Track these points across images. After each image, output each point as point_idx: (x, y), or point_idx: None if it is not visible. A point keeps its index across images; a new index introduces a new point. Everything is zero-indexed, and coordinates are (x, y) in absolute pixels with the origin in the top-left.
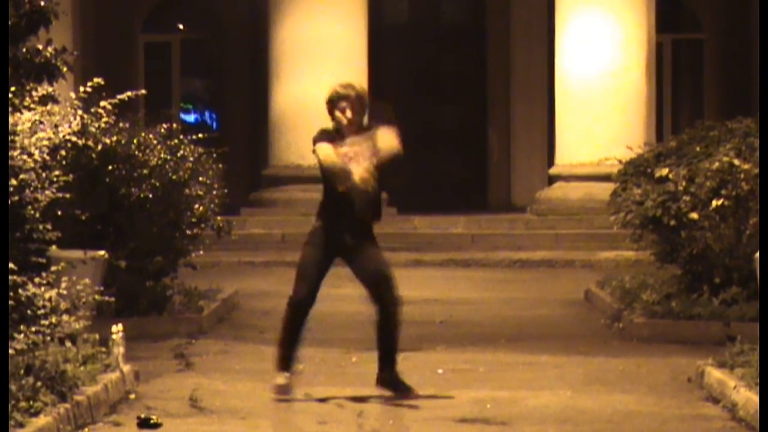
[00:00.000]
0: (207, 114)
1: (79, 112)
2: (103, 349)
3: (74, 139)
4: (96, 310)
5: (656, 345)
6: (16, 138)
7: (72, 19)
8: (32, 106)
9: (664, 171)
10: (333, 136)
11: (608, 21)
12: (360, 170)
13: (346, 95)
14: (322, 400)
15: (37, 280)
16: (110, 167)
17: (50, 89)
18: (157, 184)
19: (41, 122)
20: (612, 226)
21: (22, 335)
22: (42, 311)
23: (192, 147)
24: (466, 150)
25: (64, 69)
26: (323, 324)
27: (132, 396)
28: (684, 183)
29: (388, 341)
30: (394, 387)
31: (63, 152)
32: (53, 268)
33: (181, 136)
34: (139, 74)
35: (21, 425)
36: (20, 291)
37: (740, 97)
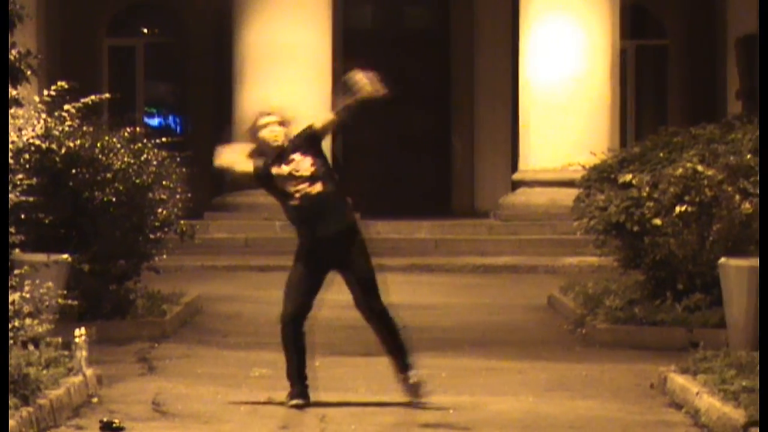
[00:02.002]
0: (171, 118)
1: (43, 115)
2: (66, 353)
3: (38, 142)
4: (59, 313)
5: (619, 351)
6: None
7: (37, 23)
8: None
9: (628, 177)
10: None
11: (573, 27)
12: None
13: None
14: (285, 405)
15: None
16: (74, 171)
17: (14, 93)
18: (121, 188)
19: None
20: (575, 231)
21: None
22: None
23: (156, 151)
24: (430, 155)
25: (29, 72)
26: None
27: (95, 400)
28: (647, 189)
29: (393, 346)
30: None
31: (27, 156)
32: (16, 272)
33: (145, 140)
34: (103, 78)
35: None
36: None
37: (704, 104)
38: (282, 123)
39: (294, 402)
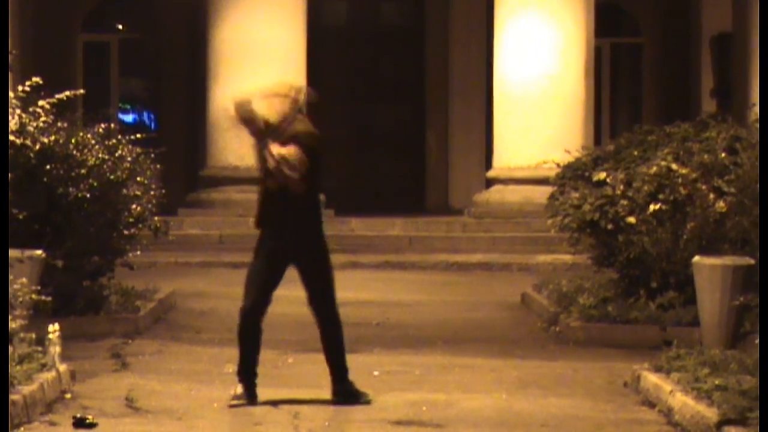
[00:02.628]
0: (145, 114)
1: (18, 111)
2: (40, 349)
3: (12, 138)
4: (33, 309)
5: (593, 349)
6: None
7: (11, 18)
8: None
9: (602, 175)
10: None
11: (547, 25)
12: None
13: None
14: (258, 401)
15: None
16: (48, 167)
17: None
18: (95, 183)
19: None
20: (549, 229)
21: None
22: None
23: (130, 147)
24: (404, 152)
25: None
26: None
27: (68, 395)
28: (622, 187)
29: (334, 357)
30: (347, 398)
31: None
32: None
33: (119, 136)
34: (77, 74)
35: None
36: None
37: (679, 102)
38: (283, 98)
39: (235, 402)
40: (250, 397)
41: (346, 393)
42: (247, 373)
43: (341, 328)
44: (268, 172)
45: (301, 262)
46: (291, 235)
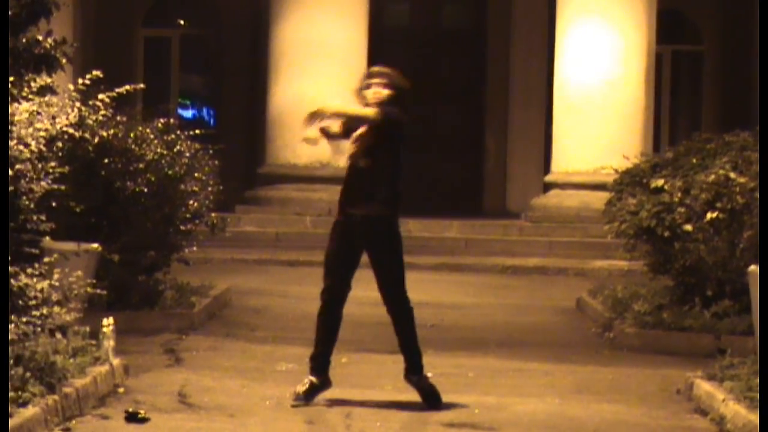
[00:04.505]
0: (204, 110)
1: (77, 104)
2: (94, 342)
3: (71, 131)
4: (87, 302)
5: (646, 355)
6: (14, 128)
7: (72, 11)
8: (30, 96)
9: (660, 182)
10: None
11: (608, 31)
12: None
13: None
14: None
15: (29, 270)
16: (106, 160)
17: (49, 80)
18: (153, 178)
19: (39, 113)
20: (606, 235)
21: (12, 325)
22: (33, 302)
23: (188, 143)
24: (462, 154)
25: (63, 60)
26: (314, 324)
27: (121, 390)
28: (679, 194)
29: (404, 345)
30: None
31: (59, 144)
32: (46, 260)
33: (178, 132)
34: (137, 68)
35: (9, 415)
36: (12, 281)
37: (738, 110)
38: (387, 86)
39: (295, 402)
40: (323, 384)
41: (420, 385)
42: (323, 358)
43: (408, 321)
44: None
45: (371, 249)
46: (359, 219)
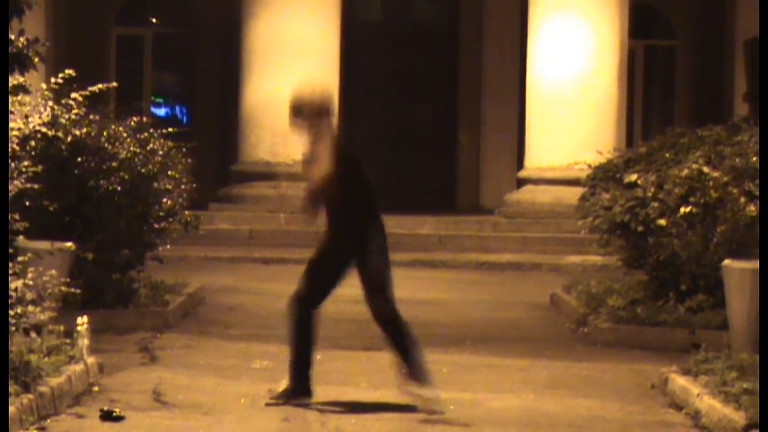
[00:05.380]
0: (177, 108)
1: (50, 103)
2: (68, 341)
3: (44, 130)
4: (62, 301)
5: (621, 350)
6: None
7: (45, 10)
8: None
9: (633, 177)
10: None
11: (581, 26)
12: None
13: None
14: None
15: None
16: (79, 159)
17: (21, 79)
18: (126, 177)
19: (12, 112)
20: (580, 230)
21: None
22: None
23: (162, 141)
24: (436, 151)
25: (36, 60)
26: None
27: (96, 388)
28: (653, 189)
29: (392, 345)
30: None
31: (33, 143)
32: (20, 259)
33: (151, 130)
34: (110, 67)
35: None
36: None
37: (711, 105)
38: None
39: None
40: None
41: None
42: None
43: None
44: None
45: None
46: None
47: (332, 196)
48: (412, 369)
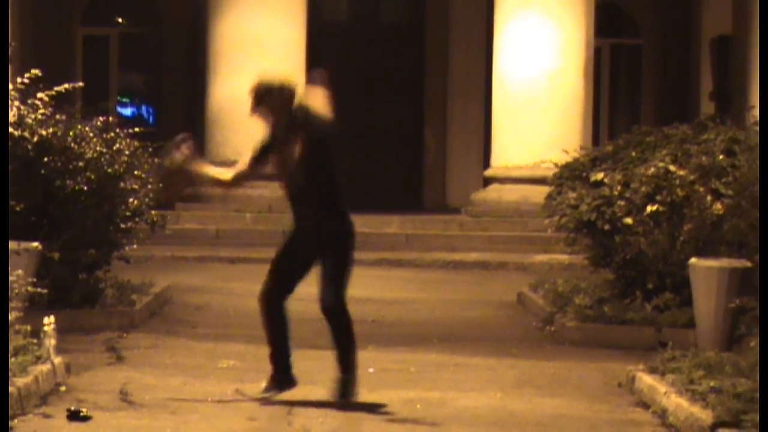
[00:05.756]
0: (144, 108)
1: (16, 103)
2: (35, 341)
3: (11, 130)
4: (28, 301)
5: (588, 349)
6: None
7: (11, 10)
8: None
9: (600, 175)
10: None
11: (547, 24)
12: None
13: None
14: (253, 397)
15: None
16: (46, 159)
17: None
18: (93, 176)
19: None
20: (546, 229)
21: None
22: None
23: (128, 141)
24: (402, 150)
25: None
26: (256, 320)
27: (63, 388)
28: (619, 188)
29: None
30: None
31: None
32: None
33: (118, 130)
34: (76, 67)
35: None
36: None
37: (677, 104)
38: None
39: (264, 395)
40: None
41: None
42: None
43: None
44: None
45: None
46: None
47: (299, 176)
48: (345, 376)
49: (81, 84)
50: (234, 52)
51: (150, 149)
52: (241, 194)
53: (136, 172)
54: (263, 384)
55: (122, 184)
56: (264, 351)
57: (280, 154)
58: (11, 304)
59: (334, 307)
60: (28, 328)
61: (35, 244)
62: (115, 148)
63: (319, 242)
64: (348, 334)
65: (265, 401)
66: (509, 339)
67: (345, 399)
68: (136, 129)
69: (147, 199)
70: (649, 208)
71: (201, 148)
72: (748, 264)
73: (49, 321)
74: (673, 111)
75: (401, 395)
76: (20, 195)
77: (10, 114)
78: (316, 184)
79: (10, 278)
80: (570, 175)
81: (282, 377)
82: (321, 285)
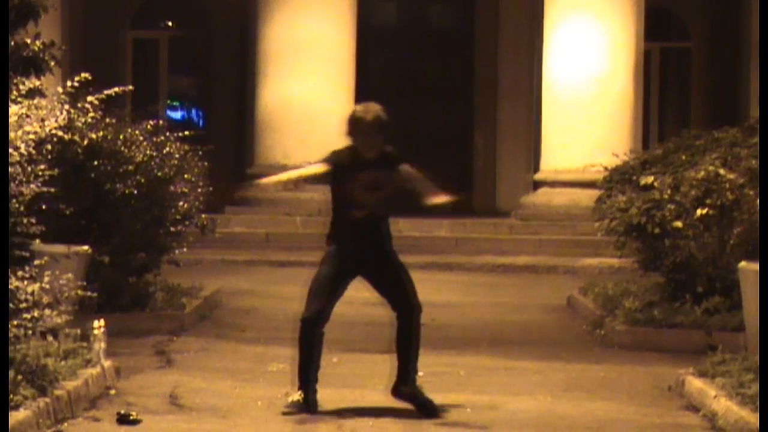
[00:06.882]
0: (193, 111)
1: (66, 106)
2: (85, 344)
3: (60, 133)
4: (78, 305)
5: (637, 353)
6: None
7: (60, 14)
8: (19, 99)
9: (649, 179)
10: (344, 157)
11: (596, 28)
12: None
13: (364, 119)
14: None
15: (20, 273)
16: (95, 162)
17: (37, 83)
18: (142, 180)
19: (28, 116)
20: (596, 232)
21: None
22: (24, 305)
23: (178, 144)
24: (451, 154)
25: (52, 63)
26: None
27: (112, 392)
28: (669, 191)
29: (405, 352)
30: (414, 401)
31: (49, 146)
32: (36, 262)
33: (167, 133)
34: (126, 70)
35: (8, 418)
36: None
37: (727, 107)
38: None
39: (287, 410)
40: (309, 404)
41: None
42: (306, 381)
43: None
44: (356, 202)
45: (372, 272)
46: (366, 251)
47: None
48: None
49: (131, 87)
50: (283, 55)
51: (199, 152)
52: (291, 197)
53: (185, 176)
54: (292, 397)
55: (172, 188)
56: None
57: (356, 178)
58: (61, 308)
59: (420, 308)
60: (78, 331)
61: (85, 247)
62: (164, 151)
63: (370, 261)
64: (419, 337)
65: (287, 413)
66: (558, 342)
67: (435, 416)
68: (186, 132)
69: (197, 203)
70: (698, 212)
71: (250, 150)
72: None
73: (98, 324)
74: (723, 114)
75: (451, 399)
76: (70, 198)
77: (60, 118)
78: (389, 214)
79: (60, 282)
80: (619, 178)
81: (305, 398)
82: (395, 294)
